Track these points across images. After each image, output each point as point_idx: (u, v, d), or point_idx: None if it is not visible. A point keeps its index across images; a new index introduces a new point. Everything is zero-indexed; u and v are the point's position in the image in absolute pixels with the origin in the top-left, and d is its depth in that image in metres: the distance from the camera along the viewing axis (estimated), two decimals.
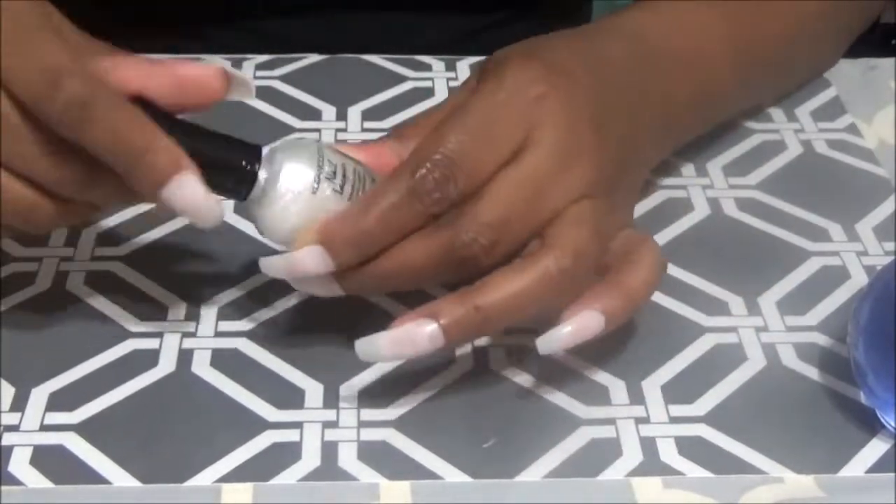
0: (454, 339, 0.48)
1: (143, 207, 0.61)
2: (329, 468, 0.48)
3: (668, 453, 0.49)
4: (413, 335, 0.48)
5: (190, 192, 0.47)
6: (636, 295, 0.51)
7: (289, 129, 0.67)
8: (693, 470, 0.49)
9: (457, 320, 0.48)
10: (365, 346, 0.48)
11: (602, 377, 0.53)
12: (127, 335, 0.54)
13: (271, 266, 0.49)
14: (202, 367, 0.53)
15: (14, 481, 0.47)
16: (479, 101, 0.50)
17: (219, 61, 0.47)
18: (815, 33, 0.68)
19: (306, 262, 0.48)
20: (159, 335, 0.54)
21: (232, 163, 0.49)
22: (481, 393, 0.52)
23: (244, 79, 0.50)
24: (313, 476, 0.48)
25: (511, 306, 0.48)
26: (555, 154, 0.50)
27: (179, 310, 0.55)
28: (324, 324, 0.55)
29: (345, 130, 0.67)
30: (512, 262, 0.49)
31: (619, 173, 0.53)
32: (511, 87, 0.50)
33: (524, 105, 0.50)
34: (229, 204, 0.59)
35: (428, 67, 0.73)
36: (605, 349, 0.54)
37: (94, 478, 0.48)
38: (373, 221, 0.48)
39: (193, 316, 0.55)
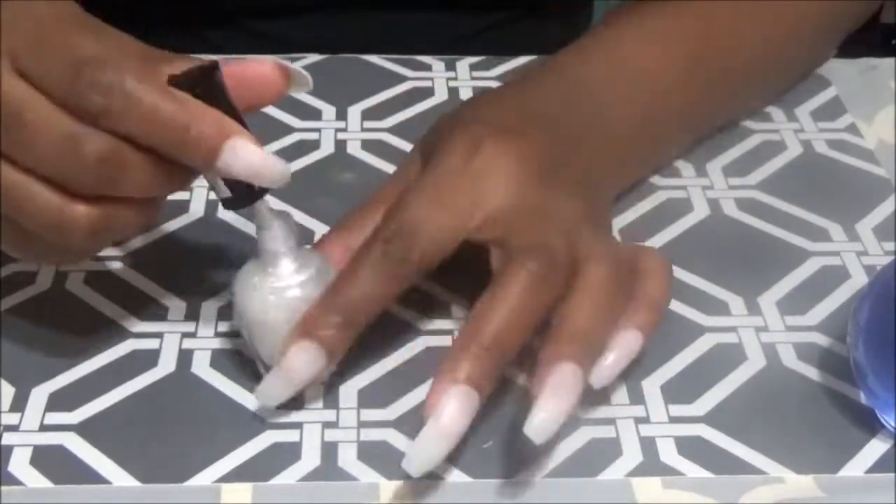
0: (483, 386, 0.47)
1: None
2: (329, 468, 0.48)
3: (668, 453, 0.49)
4: (454, 410, 0.46)
5: (246, 154, 0.46)
6: (661, 303, 0.51)
7: (289, 129, 0.67)
8: (693, 470, 0.49)
9: (477, 371, 0.46)
10: (422, 446, 0.46)
11: None
12: (127, 335, 0.54)
13: (269, 390, 0.49)
14: (202, 368, 0.53)
15: (14, 481, 0.47)
16: (434, 173, 0.51)
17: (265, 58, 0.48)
18: (798, 32, 0.68)
19: (301, 366, 0.48)
20: (159, 335, 0.54)
21: None
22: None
23: (301, 73, 0.49)
24: (313, 476, 0.48)
25: (513, 325, 0.47)
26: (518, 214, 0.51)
27: (179, 310, 0.55)
28: None
29: (345, 130, 0.67)
30: (488, 289, 0.48)
31: (582, 214, 0.53)
32: (462, 155, 0.51)
33: (474, 173, 0.51)
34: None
35: (428, 67, 0.73)
36: None
37: (94, 478, 0.48)
38: (356, 295, 0.48)
39: (193, 316, 0.55)
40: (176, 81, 0.46)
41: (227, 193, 0.48)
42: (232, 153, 0.46)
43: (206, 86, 0.46)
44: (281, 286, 0.49)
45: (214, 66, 0.47)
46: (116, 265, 0.58)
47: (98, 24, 0.47)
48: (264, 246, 0.50)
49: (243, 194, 0.48)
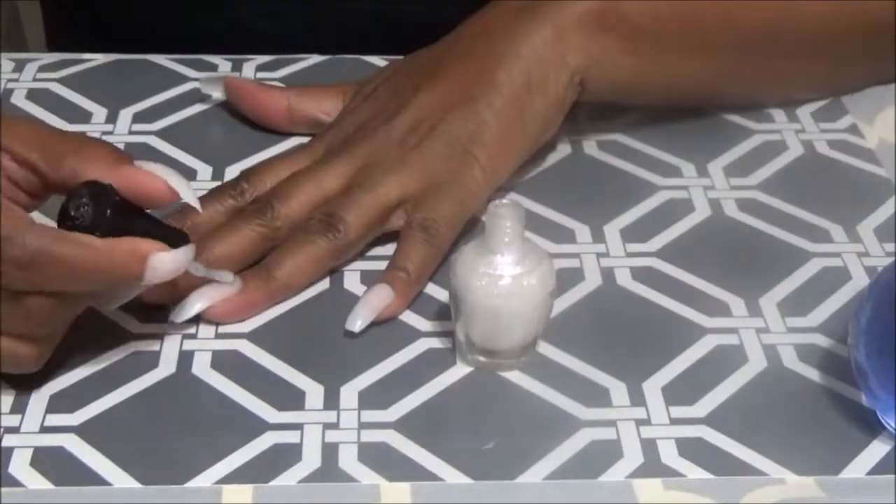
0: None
1: None
2: (329, 470, 0.48)
3: (669, 455, 0.49)
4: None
5: (164, 264, 0.49)
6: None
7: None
8: (694, 471, 0.49)
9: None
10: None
11: (603, 378, 0.52)
12: (128, 337, 0.54)
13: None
14: (203, 369, 0.52)
15: (14, 483, 0.47)
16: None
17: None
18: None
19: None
20: (160, 337, 0.54)
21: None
22: (482, 394, 0.52)
23: (189, 202, 0.51)
24: (314, 477, 0.48)
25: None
26: None
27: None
28: (324, 325, 0.55)
29: None
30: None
31: None
32: None
33: None
34: None
35: None
36: (606, 350, 0.54)
37: (95, 479, 0.47)
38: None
39: (193, 318, 0.55)
40: (79, 211, 0.47)
41: None
42: (152, 272, 0.49)
43: (110, 203, 0.48)
44: (506, 274, 0.50)
45: (111, 187, 0.48)
46: None
47: (20, 133, 0.50)
48: (493, 233, 0.50)
49: None
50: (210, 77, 0.68)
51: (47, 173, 0.49)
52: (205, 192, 0.58)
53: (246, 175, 0.59)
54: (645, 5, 0.62)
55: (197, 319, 0.54)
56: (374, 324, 0.54)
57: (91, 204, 0.48)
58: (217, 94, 0.68)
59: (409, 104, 0.60)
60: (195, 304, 0.54)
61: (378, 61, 0.73)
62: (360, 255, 0.58)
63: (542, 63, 0.60)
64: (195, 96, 0.69)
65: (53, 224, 0.48)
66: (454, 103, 0.59)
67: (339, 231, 0.56)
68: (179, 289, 0.54)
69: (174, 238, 0.50)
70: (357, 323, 0.54)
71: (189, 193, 0.51)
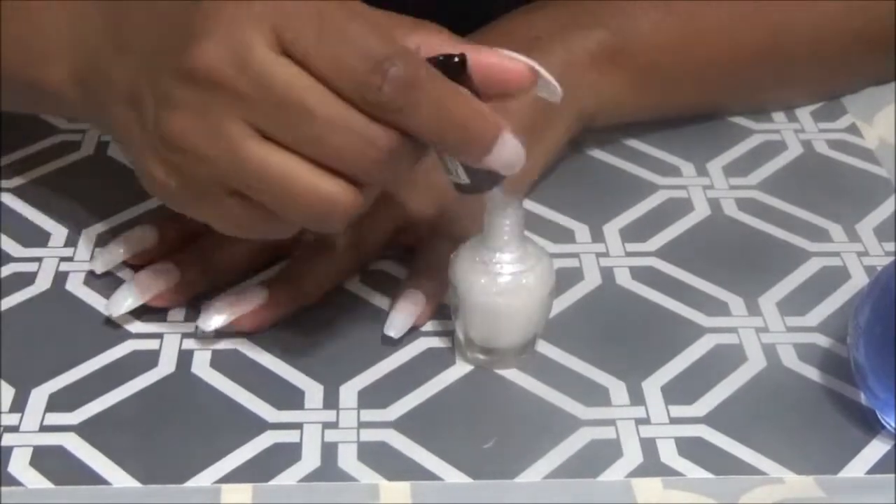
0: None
1: (146, 206, 0.61)
2: (329, 469, 0.48)
3: (669, 454, 0.49)
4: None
5: (510, 148, 0.47)
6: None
7: None
8: (693, 471, 0.49)
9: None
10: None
11: (602, 378, 0.52)
12: (127, 336, 0.54)
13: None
14: (202, 368, 0.52)
15: (14, 482, 0.47)
16: None
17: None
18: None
19: None
20: (159, 336, 0.54)
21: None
22: (481, 393, 0.52)
23: (550, 81, 0.49)
24: (313, 477, 0.48)
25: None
26: None
27: (179, 310, 0.55)
28: (324, 324, 0.55)
29: None
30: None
31: None
32: None
33: None
34: None
35: None
36: (605, 349, 0.54)
37: (94, 478, 0.47)
38: None
39: (193, 316, 0.55)
40: (437, 68, 0.46)
41: (464, 180, 0.48)
42: (501, 148, 0.46)
43: (459, 76, 0.46)
44: (505, 272, 0.50)
45: (464, 59, 0.47)
46: (116, 265, 0.57)
47: (376, 15, 0.47)
48: (493, 231, 0.50)
49: (483, 182, 0.49)
50: None
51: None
52: None
53: None
54: (654, 38, 0.62)
55: (194, 317, 0.54)
56: (374, 325, 0.54)
57: (454, 63, 0.46)
58: None
59: None
60: (224, 313, 0.53)
61: None
62: None
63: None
64: None
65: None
66: None
67: (364, 245, 0.56)
68: (183, 295, 0.54)
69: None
70: (393, 331, 0.53)
71: (549, 76, 0.48)
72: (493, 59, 0.48)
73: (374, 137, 0.45)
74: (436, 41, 0.48)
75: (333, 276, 0.56)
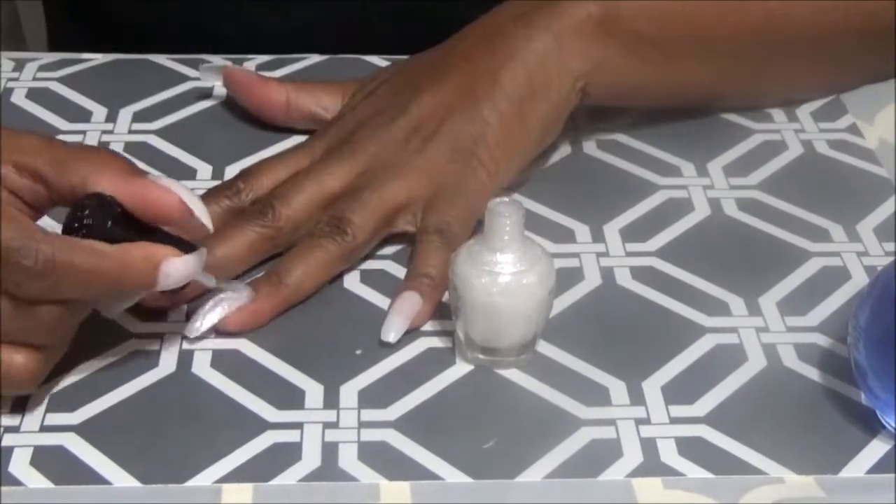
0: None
1: None
2: (329, 469, 0.48)
3: (669, 454, 0.49)
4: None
5: (179, 269, 0.48)
6: None
7: (289, 129, 0.66)
8: (693, 470, 0.49)
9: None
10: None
11: (602, 377, 0.53)
12: (127, 336, 0.54)
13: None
14: (203, 368, 0.52)
15: (14, 482, 0.47)
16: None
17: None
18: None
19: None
20: (160, 336, 0.54)
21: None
22: (481, 393, 0.52)
23: (201, 221, 0.50)
24: (313, 476, 0.48)
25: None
26: None
27: (179, 310, 0.55)
28: (324, 324, 0.55)
29: None
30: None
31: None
32: None
33: None
34: None
35: None
36: (605, 349, 0.54)
37: (95, 478, 0.48)
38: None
39: (191, 317, 0.55)
40: (82, 223, 0.47)
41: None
42: (167, 278, 0.48)
43: (111, 215, 0.48)
44: (506, 272, 0.50)
45: (112, 202, 0.48)
46: None
47: (27, 144, 0.49)
48: (493, 231, 0.50)
49: None
50: (210, 66, 0.68)
51: (54, 182, 0.48)
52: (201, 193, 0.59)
53: (242, 175, 0.59)
54: (644, 9, 0.62)
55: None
56: (374, 324, 0.54)
57: (96, 214, 0.47)
58: (217, 83, 0.68)
59: (411, 105, 0.60)
60: (209, 317, 0.53)
61: (378, 61, 0.73)
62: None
63: (545, 67, 0.61)
64: (195, 96, 0.69)
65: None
66: (457, 105, 0.59)
67: (348, 234, 0.56)
68: (181, 294, 0.53)
69: (182, 246, 0.49)
70: (391, 334, 0.53)
71: (203, 212, 0.50)
72: (147, 193, 0.48)
73: (38, 317, 0.47)
74: (105, 176, 0.48)
75: (319, 269, 0.55)
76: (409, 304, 0.54)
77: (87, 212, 0.47)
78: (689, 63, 0.65)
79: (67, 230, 0.47)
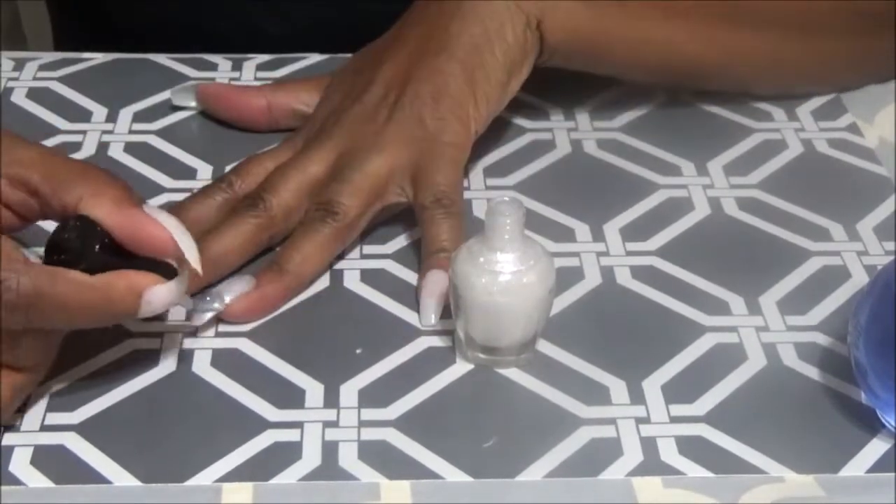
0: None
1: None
2: (329, 468, 0.48)
3: (669, 453, 0.49)
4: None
5: (161, 297, 0.48)
6: None
7: (289, 129, 0.66)
8: (693, 469, 0.49)
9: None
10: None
11: (602, 377, 0.53)
12: (127, 335, 0.54)
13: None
14: (203, 367, 0.53)
15: (15, 481, 0.47)
16: None
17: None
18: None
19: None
20: (160, 335, 0.54)
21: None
22: (482, 392, 0.52)
23: (191, 265, 0.49)
24: (314, 476, 0.48)
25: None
26: None
27: (179, 309, 0.55)
28: (324, 324, 0.55)
29: None
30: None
31: None
32: None
33: None
34: None
35: None
36: (606, 348, 0.54)
37: (95, 477, 0.48)
38: None
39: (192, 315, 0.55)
40: (66, 245, 0.47)
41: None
42: (147, 306, 0.48)
43: (96, 240, 0.47)
44: (506, 272, 0.50)
45: (94, 228, 0.47)
46: None
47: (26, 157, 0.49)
48: (493, 231, 0.50)
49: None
50: (181, 88, 0.68)
51: (48, 198, 0.48)
52: (194, 191, 0.59)
53: (235, 170, 0.60)
54: None
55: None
56: (374, 324, 0.54)
57: (81, 237, 0.47)
58: (191, 103, 0.67)
59: (374, 79, 0.61)
60: (213, 305, 0.54)
61: None
62: (359, 255, 0.58)
63: (496, 12, 0.61)
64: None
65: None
66: (415, 65, 0.60)
67: (339, 214, 0.56)
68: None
69: (164, 270, 0.49)
70: (431, 317, 0.55)
71: (193, 254, 0.49)
72: (139, 228, 0.48)
73: (20, 344, 0.47)
74: (100, 199, 0.48)
75: (316, 253, 0.56)
76: (437, 284, 0.55)
77: (73, 234, 0.47)
78: (651, 22, 0.64)
79: (50, 250, 0.47)
